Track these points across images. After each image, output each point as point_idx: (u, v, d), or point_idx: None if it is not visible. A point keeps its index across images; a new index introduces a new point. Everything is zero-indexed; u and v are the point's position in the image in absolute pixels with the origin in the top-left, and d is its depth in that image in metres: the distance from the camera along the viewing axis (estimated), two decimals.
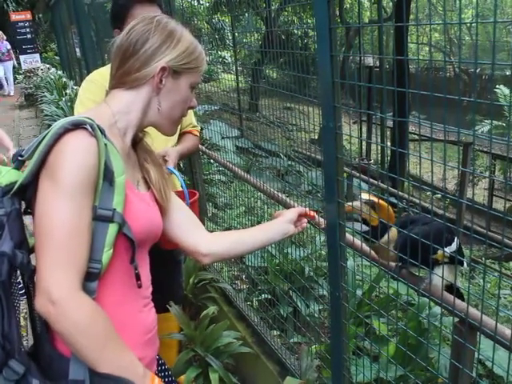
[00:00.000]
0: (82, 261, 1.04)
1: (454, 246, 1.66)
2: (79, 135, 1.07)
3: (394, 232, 1.65)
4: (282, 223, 1.54)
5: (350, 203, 1.67)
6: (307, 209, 1.65)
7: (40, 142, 1.08)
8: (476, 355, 1.50)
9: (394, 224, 1.66)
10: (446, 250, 1.58)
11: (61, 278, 1.01)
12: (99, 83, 2.08)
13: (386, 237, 1.62)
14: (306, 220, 1.61)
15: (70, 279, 1.01)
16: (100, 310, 1.06)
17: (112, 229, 1.10)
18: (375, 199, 1.62)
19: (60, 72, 13.50)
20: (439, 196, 7.34)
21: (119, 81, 1.24)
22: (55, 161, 1.04)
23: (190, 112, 2.49)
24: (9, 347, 1.03)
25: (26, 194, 1.11)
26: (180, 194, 1.80)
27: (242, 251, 1.55)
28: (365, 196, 1.64)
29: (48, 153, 1.06)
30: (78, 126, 1.07)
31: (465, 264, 1.77)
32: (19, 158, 1.14)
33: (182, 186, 2.02)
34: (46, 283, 1.00)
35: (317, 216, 1.65)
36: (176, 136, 2.37)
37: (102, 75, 2.15)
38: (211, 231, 1.55)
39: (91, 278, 1.08)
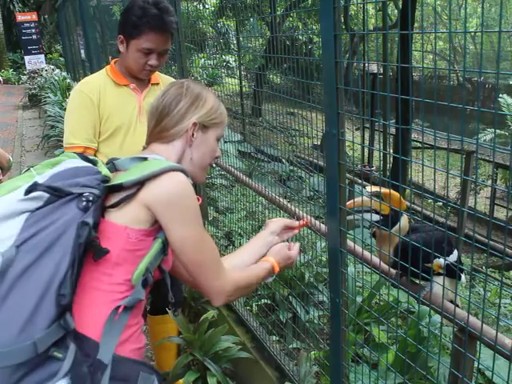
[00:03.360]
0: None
1: (451, 258, 1.63)
2: (185, 177, 1.31)
3: (405, 220, 1.63)
4: (266, 236, 1.67)
5: (351, 201, 1.67)
6: (294, 221, 1.73)
7: (135, 160, 1.34)
8: (476, 364, 1.49)
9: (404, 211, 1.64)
10: (441, 260, 1.57)
11: (221, 279, 1.35)
12: (85, 95, 2.20)
13: (397, 225, 1.60)
14: (292, 231, 1.73)
15: (223, 276, 1.36)
16: (237, 272, 1.45)
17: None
18: (381, 190, 1.61)
19: (64, 73, 13.56)
20: (441, 204, 7.33)
21: (157, 136, 1.45)
22: (179, 190, 1.28)
23: None
24: (68, 301, 1.12)
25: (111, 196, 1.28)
26: None
27: None
28: (369, 189, 1.63)
29: (154, 177, 1.26)
30: (182, 170, 1.31)
31: (462, 278, 1.74)
32: (113, 162, 1.38)
33: None
34: (216, 287, 1.34)
35: (306, 220, 1.75)
36: None
37: (88, 87, 2.25)
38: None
39: (145, 285, 1.28)
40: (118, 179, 1.28)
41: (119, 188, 1.26)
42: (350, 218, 1.67)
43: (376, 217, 1.62)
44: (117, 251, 1.24)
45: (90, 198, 1.20)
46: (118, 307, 1.23)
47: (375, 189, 1.62)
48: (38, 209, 1.18)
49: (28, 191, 1.19)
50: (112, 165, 1.37)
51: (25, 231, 1.14)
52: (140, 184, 1.26)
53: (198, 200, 2.12)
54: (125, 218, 1.26)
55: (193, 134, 1.44)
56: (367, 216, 1.63)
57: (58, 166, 1.31)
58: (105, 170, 1.31)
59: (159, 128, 1.45)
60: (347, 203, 1.64)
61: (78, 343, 1.15)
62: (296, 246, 1.67)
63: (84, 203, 1.19)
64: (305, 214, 2.20)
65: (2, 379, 1.03)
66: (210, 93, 1.51)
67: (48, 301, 1.09)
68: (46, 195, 1.19)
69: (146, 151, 1.46)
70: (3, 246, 1.12)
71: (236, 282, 1.39)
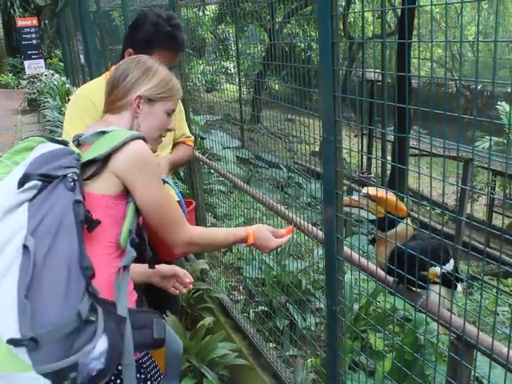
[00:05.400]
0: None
1: (448, 267, 1.62)
2: (145, 143, 1.45)
3: (403, 226, 1.58)
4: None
5: (349, 198, 1.66)
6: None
7: (98, 135, 1.44)
8: (472, 372, 1.48)
9: (404, 217, 1.60)
10: (437, 268, 1.55)
11: (184, 229, 1.53)
12: (87, 98, 2.18)
13: (393, 230, 1.57)
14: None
15: (186, 226, 1.54)
16: (200, 228, 1.66)
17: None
18: (374, 192, 1.59)
19: (64, 78, 13.57)
20: (439, 211, 7.31)
21: (109, 107, 1.60)
22: (143, 156, 1.42)
23: (184, 123, 2.58)
24: (93, 272, 1.26)
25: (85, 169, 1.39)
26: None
27: None
28: (365, 190, 1.61)
29: (120, 148, 1.39)
30: (142, 138, 1.45)
31: (459, 287, 1.72)
32: (78, 139, 1.47)
33: (177, 196, 2.00)
34: (180, 236, 1.52)
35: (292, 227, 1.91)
36: (170, 146, 2.48)
37: (89, 90, 2.25)
38: None
39: (133, 244, 1.41)
40: (88, 154, 1.40)
41: (92, 162, 1.39)
42: (346, 209, 1.67)
43: (372, 216, 1.61)
44: (101, 218, 1.38)
45: (75, 178, 1.32)
46: (119, 268, 1.37)
47: (371, 190, 1.61)
48: (33, 196, 1.29)
49: (22, 182, 1.30)
50: (77, 142, 1.48)
51: (31, 219, 1.26)
52: (109, 155, 1.39)
53: (192, 203, 2.29)
54: (100, 188, 1.40)
55: (138, 107, 1.56)
56: (364, 213, 1.62)
57: (33, 152, 1.41)
58: (76, 149, 1.43)
59: (110, 99, 1.59)
60: (345, 198, 1.64)
61: (101, 305, 1.29)
62: (283, 239, 1.79)
63: (71, 183, 1.31)
64: (302, 221, 2.20)
65: (58, 347, 1.18)
66: (162, 68, 1.61)
67: (75, 275, 1.23)
68: (39, 183, 1.30)
69: (101, 122, 1.57)
70: (20, 236, 1.23)
71: (197, 236, 1.56)
